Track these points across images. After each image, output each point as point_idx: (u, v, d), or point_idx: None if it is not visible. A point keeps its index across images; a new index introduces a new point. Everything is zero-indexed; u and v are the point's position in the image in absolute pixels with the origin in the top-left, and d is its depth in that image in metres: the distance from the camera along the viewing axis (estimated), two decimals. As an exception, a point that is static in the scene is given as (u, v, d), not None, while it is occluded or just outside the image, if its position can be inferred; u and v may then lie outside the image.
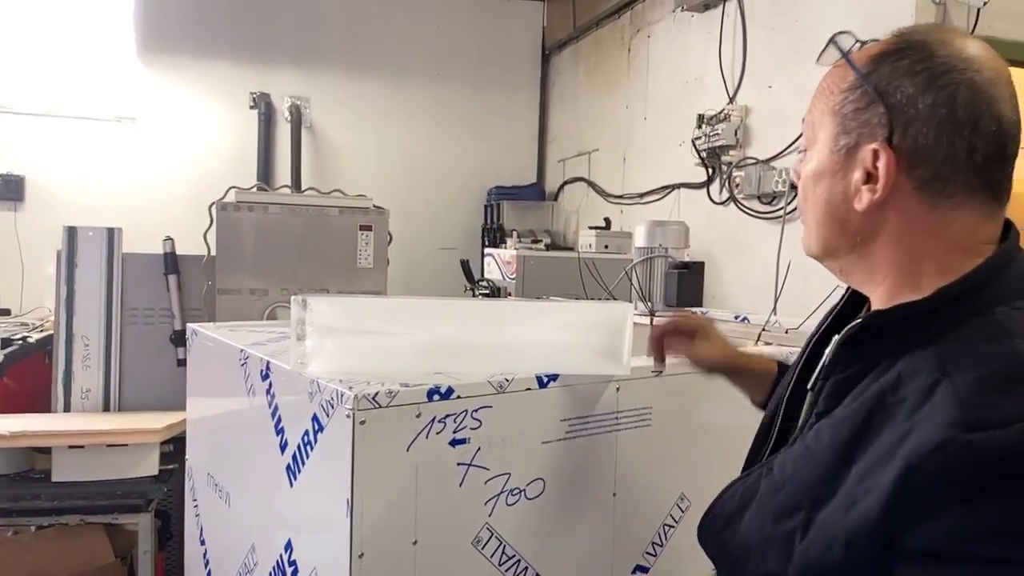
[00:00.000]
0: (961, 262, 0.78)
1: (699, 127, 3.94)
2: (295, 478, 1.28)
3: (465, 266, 4.04)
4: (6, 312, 4.62)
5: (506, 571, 1.27)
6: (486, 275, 4.16)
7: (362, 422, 1.09)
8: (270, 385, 1.38)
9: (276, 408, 1.36)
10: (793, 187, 0.93)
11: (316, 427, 1.20)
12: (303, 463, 1.26)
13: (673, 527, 1.51)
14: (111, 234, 3.07)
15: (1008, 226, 0.82)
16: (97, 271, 3.03)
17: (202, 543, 1.77)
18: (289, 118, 5.49)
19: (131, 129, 5.28)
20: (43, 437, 2.22)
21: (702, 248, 3.66)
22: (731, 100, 3.83)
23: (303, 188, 4.80)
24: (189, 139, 5.36)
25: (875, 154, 0.79)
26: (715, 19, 3.97)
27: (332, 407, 1.15)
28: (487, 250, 4.34)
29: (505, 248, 4.23)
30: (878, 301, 0.85)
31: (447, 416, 1.18)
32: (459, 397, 1.18)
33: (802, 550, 0.75)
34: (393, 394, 1.12)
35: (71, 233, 3.05)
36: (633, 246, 2.27)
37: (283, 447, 1.32)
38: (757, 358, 1.29)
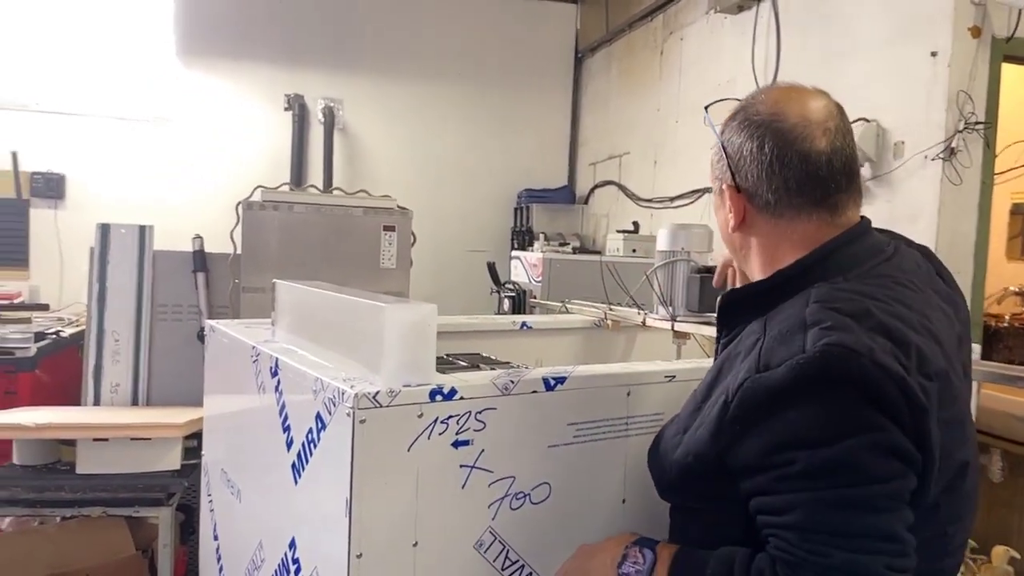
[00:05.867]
0: (777, 259, 1.09)
1: (731, 130, 3.87)
2: (299, 476, 1.28)
3: (491, 268, 4.03)
4: (44, 307, 4.74)
5: (509, 576, 1.25)
6: (512, 277, 4.15)
7: (362, 421, 1.08)
8: (279, 382, 1.38)
9: (284, 405, 1.36)
10: None
11: (319, 425, 1.20)
12: (307, 461, 1.25)
13: (685, 536, 1.48)
14: (142, 231, 3.12)
15: (862, 223, 1.10)
16: (128, 268, 3.08)
17: (215, 539, 1.78)
18: (322, 120, 5.54)
19: (169, 129, 5.37)
20: (67, 429, 2.26)
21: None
22: (764, 103, 3.76)
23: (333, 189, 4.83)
24: (225, 140, 5.44)
25: (728, 192, 1.11)
26: (748, 20, 3.91)
27: (334, 405, 1.14)
28: (513, 252, 4.33)
29: (532, 251, 4.22)
30: None
31: (450, 417, 1.16)
32: (462, 398, 1.17)
33: (676, 458, 1.07)
34: (394, 393, 1.11)
35: (104, 230, 3.11)
36: (656, 250, 2.22)
37: (289, 444, 1.32)
38: None
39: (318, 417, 1.20)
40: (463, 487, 1.19)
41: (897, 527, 0.90)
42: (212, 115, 5.43)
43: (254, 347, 1.50)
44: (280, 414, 1.36)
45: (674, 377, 1.43)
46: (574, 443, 1.31)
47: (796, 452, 0.91)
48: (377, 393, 1.09)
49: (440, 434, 1.16)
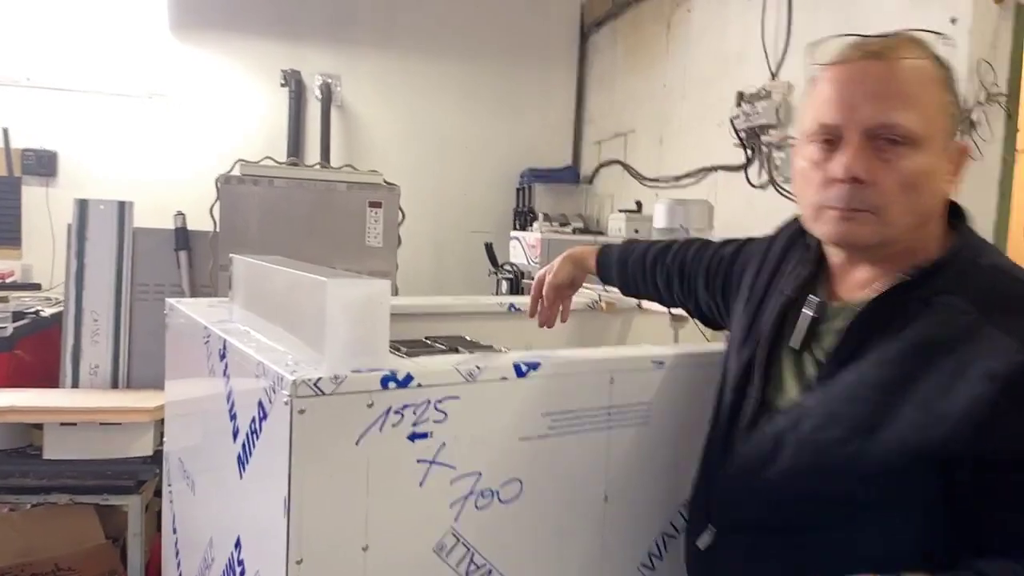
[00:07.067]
0: (942, 227, 1.01)
1: (738, 105, 3.71)
2: (244, 470, 1.16)
3: (489, 249, 3.90)
4: (37, 287, 4.65)
5: (474, 582, 1.13)
6: (511, 259, 4.01)
7: (301, 411, 0.96)
8: (226, 366, 1.26)
9: (231, 391, 1.24)
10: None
11: (261, 414, 1.08)
12: (251, 453, 1.13)
13: (675, 537, 1.35)
14: (122, 208, 3.01)
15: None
16: (107, 245, 2.97)
17: (174, 531, 1.67)
18: (319, 96, 5.39)
19: (163, 106, 5.24)
20: (31, 413, 2.16)
21: (742, 234, 3.44)
22: (773, 76, 3.59)
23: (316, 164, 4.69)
24: (221, 116, 5.30)
25: (963, 149, 1.01)
26: (758, -11, 3.73)
27: (274, 392, 1.02)
28: (513, 233, 4.20)
29: (531, 231, 4.08)
30: (889, 263, 0.99)
31: (405, 407, 1.04)
32: (420, 386, 1.04)
33: (868, 465, 0.90)
34: (339, 380, 0.98)
35: (82, 206, 3.00)
36: (652, 227, 2.09)
37: (235, 434, 1.20)
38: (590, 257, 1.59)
39: (260, 404, 1.07)
40: (421, 485, 1.06)
41: None
42: (207, 91, 5.29)
43: (205, 327, 1.38)
44: (227, 400, 1.24)
45: (663, 363, 1.30)
46: (550, 435, 1.18)
47: None
48: (319, 380, 0.97)
49: (394, 426, 1.03)
